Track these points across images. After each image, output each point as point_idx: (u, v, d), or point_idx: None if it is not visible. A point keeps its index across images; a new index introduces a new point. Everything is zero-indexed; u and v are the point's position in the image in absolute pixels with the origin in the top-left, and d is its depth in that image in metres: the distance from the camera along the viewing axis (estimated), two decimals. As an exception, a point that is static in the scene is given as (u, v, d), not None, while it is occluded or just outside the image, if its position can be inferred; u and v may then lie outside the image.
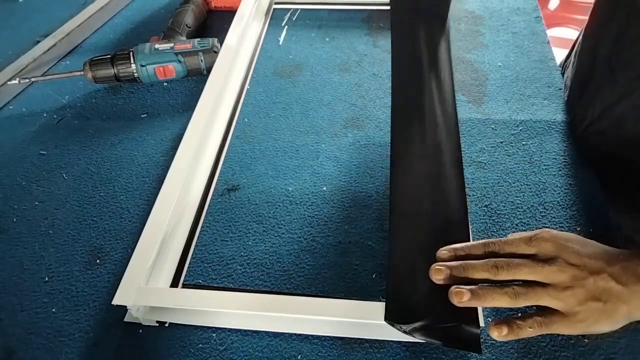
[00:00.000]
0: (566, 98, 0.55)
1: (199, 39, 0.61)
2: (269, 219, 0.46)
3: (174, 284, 0.42)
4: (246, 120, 0.57)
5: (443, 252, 0.36)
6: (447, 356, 0.36)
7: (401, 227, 0.40)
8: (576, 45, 0.57)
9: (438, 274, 0.35)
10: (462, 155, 0.49)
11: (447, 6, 0.53)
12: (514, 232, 0.43)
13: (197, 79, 0.63)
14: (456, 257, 0.36)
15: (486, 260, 0.34)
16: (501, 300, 0.32)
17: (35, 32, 0.71)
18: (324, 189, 0.49)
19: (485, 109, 0.55)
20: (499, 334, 0.33)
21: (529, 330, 0.32)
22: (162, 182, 0.45)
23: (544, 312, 0.33)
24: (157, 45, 0.60)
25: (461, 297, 0.33)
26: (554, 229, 0.43)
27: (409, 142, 0.45)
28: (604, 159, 0.48)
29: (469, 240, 0.38)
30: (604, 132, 0.48)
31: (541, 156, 0.50)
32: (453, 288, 0.34)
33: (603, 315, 0.32)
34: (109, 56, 0.59)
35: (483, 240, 0.36)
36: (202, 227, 0.46)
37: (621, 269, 0.33)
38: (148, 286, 0.40)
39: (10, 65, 0.63)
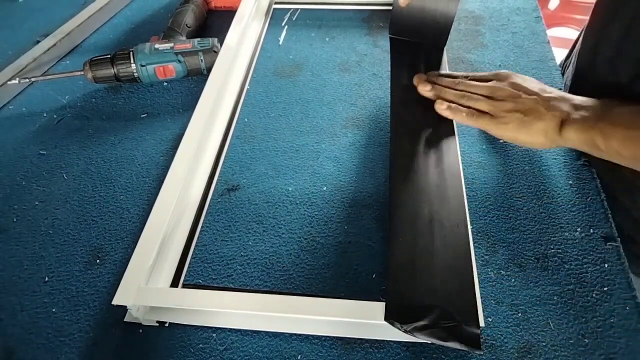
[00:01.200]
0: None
1: (199, 39, 0.61)
2: (269, 219, 0.46)
3: (174, 284, 0.42)
4: (246, 120, 0.57)
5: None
6: (447, 356, 0.36)
7: (401, 229, 0.40)
8: (576, 45, 0.57)
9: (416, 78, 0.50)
10: (462, 155, 0.50)
11: (445, 38, 0.55)
12: (513, 231, 0.43)
13: (197, 79, 0.63)
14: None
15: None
16: (450, 94, 0.47)
17: (35, 32, 0.71)
18: (324, 189, 0.49)
19: (485, 109, 0.55)
20: (423, 87, 0.48)
21: (463, 115, 0.45)
22: (162, 182, 0.45)
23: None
24: (157, 45, 0.60)
25: (424, 84, 0.48)
26: (555, 229, 0.44)
27: (407, 150, 0.46)
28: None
29: (469, 247, 0.39)
30: None
31: (541, 156, 0.50)
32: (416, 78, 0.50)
33: (522, 125, 0.41)
34: (109, 56, 0.59)
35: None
36: (202, 227, 0.46)
37: (553, 98, 0.41)
38: (148, 286, 0.40)
39: (10, 65, 0.63)
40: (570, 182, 0.47)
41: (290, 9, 0.74)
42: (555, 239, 0.43)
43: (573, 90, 0.53)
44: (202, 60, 0.60)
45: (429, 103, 0.49)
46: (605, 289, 0.39)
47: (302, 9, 0.74)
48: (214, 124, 0.55)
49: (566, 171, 0.48)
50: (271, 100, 0.59)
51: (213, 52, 0.60)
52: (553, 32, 1.71)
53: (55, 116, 0.59)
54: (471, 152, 0.50)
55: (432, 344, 0.36)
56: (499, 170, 0.49)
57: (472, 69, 0.60)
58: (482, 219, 0.45)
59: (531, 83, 0.44)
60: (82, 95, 0.62)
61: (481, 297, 0.39)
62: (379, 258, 0.43)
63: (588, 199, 0.45)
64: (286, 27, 0.71)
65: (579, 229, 0.43)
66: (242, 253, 0.44)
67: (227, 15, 0.67)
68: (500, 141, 0.51)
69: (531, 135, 0.41)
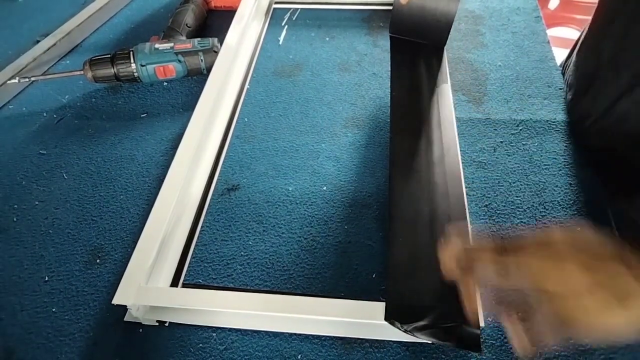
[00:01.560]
0: (569, 97, 0.55)
1: (199, 39, 0.61)
2: (269, 219, 0.46)
3: (174, 283, 0.42)
4: (246, 120, 0.57)
5: None
6: (447, 356, 0.36)
7: (401, 229, 0.40)
8: (578, 44, 0.57)
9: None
10: (462, 155, 0.50)
11: (445, 38, 0.55)
12: (514, 231, 0.43)
13: (197, 78, 0.63)
14: None
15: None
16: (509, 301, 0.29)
17: (35, 31, 0.71)
18: (324, 188, 0.49)
19: (485, 108, 0.55)
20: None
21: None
22: (162, 182, 0.45)
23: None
24: (157, 45, 0.60)
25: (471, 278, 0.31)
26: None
27: (407, 150, 0.46)
28: (605, 157, 0.48)
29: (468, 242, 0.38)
30: (606, 129, 0.48)
31: (541, 156, 0.50)
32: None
33: (612, 305, 0.27)
34: (109, 56, 0.59)
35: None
36: (202, 226, 0.46)
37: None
38: (148, 286, 0.40)
39: (10, 65, 0.63)
40: (570, 182, 0.47)
41: (290, 8, 0.74)
42: (555, 238, 0.43)
43: (577, 90, 0.53)
44: (202, 60, 0.60)
45: (429, 103, 0.49)
46: (605, 288, 0.39)
47: (302, 9, 0.74)
48: (214, 124, 0.55)
49: (566, 171, 0.48)
50: (271, 100, 0.59)
51: (213, 52, 0.60)
52: (553, 32, 1.71)
53: (55, 116, 0.59)
54: (471, 152, 0.50)
55: (432, 344, 0.36)
56: (499, 170, 0.49)
57: (472, 69, 0.60)
58: (482, 219, 0.45)
59: (598, 246, 0.31)
60: (82, 95, 0.62)
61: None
62: (379, 258, 0.43)
63: (588, 199, 0.45)
64: (286, 26, 0.71)
65: (578, 229, 0.43)
66: (242, 253, 0.44)
67: (227, 15, 0.67)
68: (502, 143, 0.51)
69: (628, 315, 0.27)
